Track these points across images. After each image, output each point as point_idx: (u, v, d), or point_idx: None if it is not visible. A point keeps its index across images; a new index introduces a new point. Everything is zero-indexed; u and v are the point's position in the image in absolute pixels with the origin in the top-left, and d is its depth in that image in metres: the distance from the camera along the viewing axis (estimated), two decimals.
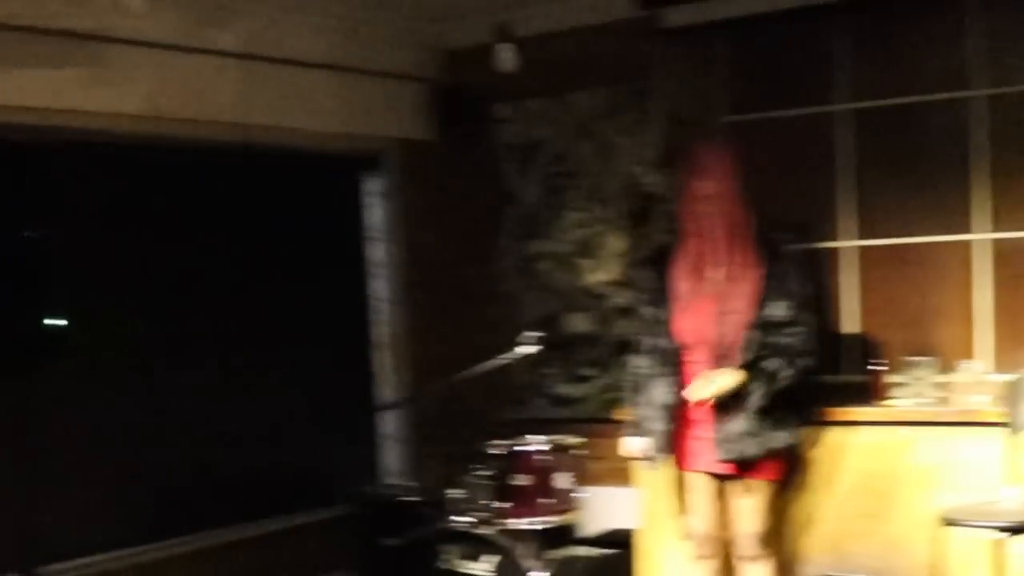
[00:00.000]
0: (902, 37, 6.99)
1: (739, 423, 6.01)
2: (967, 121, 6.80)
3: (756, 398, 6.01)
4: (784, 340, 6.05)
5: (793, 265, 6.16)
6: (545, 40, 7.88)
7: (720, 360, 6.04)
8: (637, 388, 6.40)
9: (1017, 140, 6.73)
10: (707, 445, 6.12)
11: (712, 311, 6.09)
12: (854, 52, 7.12)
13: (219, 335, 7.39)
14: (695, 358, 6.16)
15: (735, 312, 6.05)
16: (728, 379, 5.99)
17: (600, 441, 7.51)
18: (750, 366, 6.01)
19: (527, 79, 7.80)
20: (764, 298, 6.06)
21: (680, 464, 6.28)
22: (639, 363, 6.41)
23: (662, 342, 6.23)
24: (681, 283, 6.19)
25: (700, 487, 6.24)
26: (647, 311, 6.35)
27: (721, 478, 6.20)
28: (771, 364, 6.02)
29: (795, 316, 6.08)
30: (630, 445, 6.44)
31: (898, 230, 7.01)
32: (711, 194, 6.09)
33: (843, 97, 7.14)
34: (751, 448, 6.03)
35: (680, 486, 6.36)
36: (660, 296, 6.27)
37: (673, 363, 6.18)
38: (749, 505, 6.14)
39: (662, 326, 6.23)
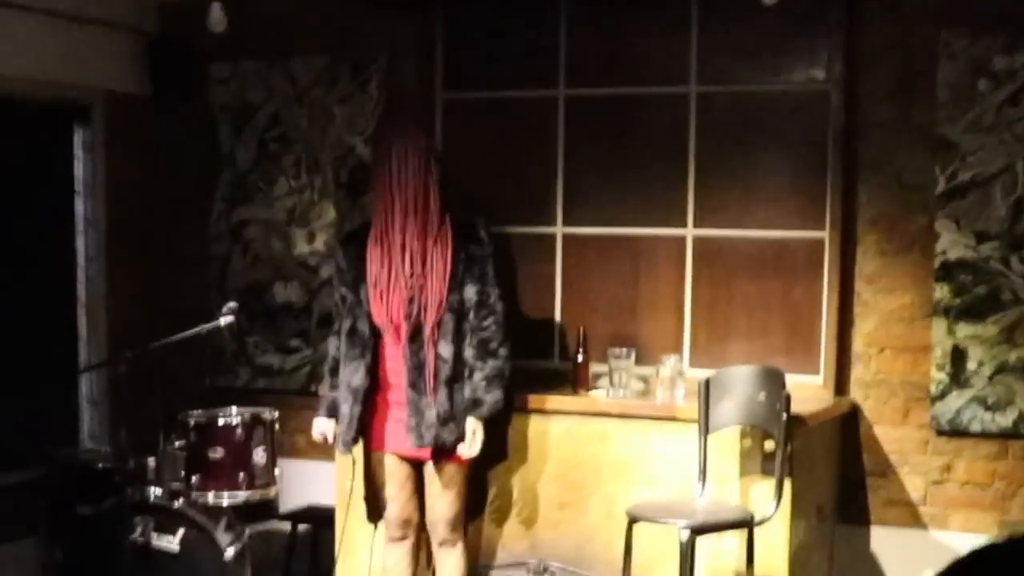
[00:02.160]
0: (625, 28, 7.06)
1: (435, 409, 6.01)
2: (685, 117, 6.92)
3: (485, 409, 6.05)
4: (477, 325, 6.06)
5: (487, 249, 6.16)
6: (264, 1, 7.72)
7: (413, 344, 6.02)
8: (333, 370, 6.35)
9: (719, 140, 6.89)
10: (402, 429, 6.09)
11: (404, 293, 6.07)
12: (574, 39, 7.16)
13: None
14: (390, 340, 6.13)
15: (426, 295, 6.03)
16: (479, 436, 6.04)
17: (302, 414, 7.47)
18: (458, 360, 6.03)
19: (246, 40, 7.63)
20: (457, 281, 6.05)
21: (374, 446, 6.25)
22: (334, 344, 6.37)
23: (359, 324, 6.18)
24: (374, 264, 6.13)
25: (393, 470, 6.22)
26: (344, 292, 6.30)
27: (415, 462, 6.19)
28: (484, 371, 6.05)
29: (487, 300, 6.09)
30: (318, 427, 6.38)
31: (611, 220, 7.09)
32: (402, 172, 6.04)
33: (561, 83, 7.19)
34: (447, 434, 6.02)
35: (375, 468, 6.31)
36: (357, 277, 6.21)
37: (368, 346, 6.14)
38: (442, 489, 6.14)
39: (359, 308, 6.18)
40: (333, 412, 6.29)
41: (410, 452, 6.12)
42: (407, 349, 6.04)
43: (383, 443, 6.21)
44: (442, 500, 6.15)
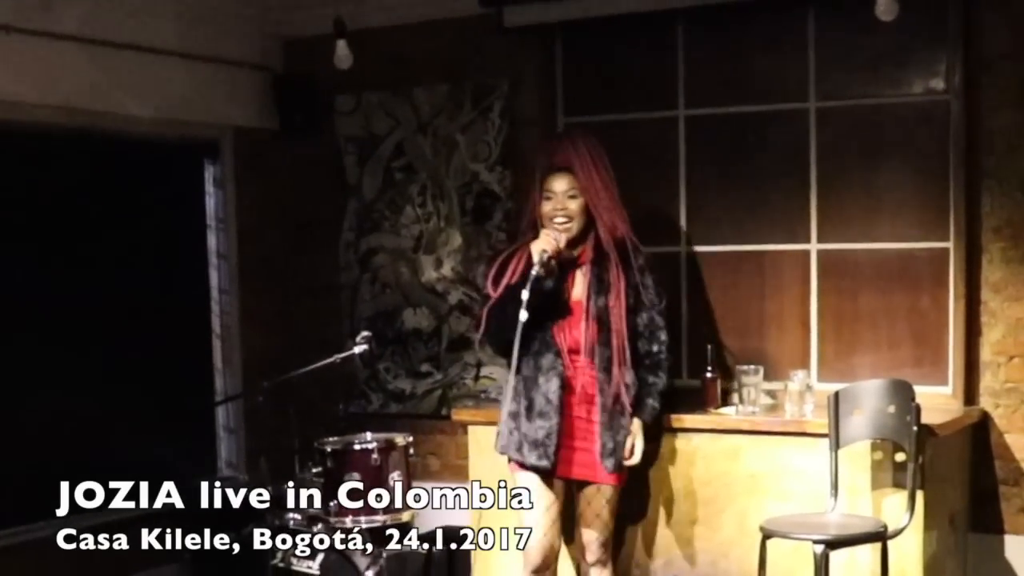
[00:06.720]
0: (742, 46, 7.10)
1: (622, 434, 6.08)
2: (805, 133, 6.95)
3: (646, 414, 6.14)
4: (651, 349, 6.17)
5: (649, 273, 6.22)
6: (388, 33, 7.88)
7: (603, 371, 6.06)
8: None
9: (840, 154, 6.90)
10: (583, 455, 6.11)
11: (580, 319, 6.10)
12: (692, 59, 7.21)
13: (55, 324, 7.24)
14: (575, 362, 6.12)
15: (604, 321, 6.07)
16: (640, 442, 6.13)
17: (435, 437, 7.58)
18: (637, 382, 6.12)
19: (369, 72, 7.79)
20: (631, 307, 6.12)
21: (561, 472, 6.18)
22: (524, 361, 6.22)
23: (547, 343, 6.15)
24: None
25: (540, 495, 6.14)
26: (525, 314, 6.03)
27: (571, 484, 6.22)
28: (655, 384, 6.18)
29: (657, 324, 6.18)
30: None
31: (735, 237, 7.14)
32: (576, 191, 6.17)
33: (680, 104, 7.24)
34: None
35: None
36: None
37: (557, 365, 6.10)
38: (602, 509, 6.15)
39: (544, 330, 6.13)
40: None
41: (587, 476, 6.13)
42: (599, 373, 6.09)
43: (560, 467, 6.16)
44: (599, 520, 6.16)
